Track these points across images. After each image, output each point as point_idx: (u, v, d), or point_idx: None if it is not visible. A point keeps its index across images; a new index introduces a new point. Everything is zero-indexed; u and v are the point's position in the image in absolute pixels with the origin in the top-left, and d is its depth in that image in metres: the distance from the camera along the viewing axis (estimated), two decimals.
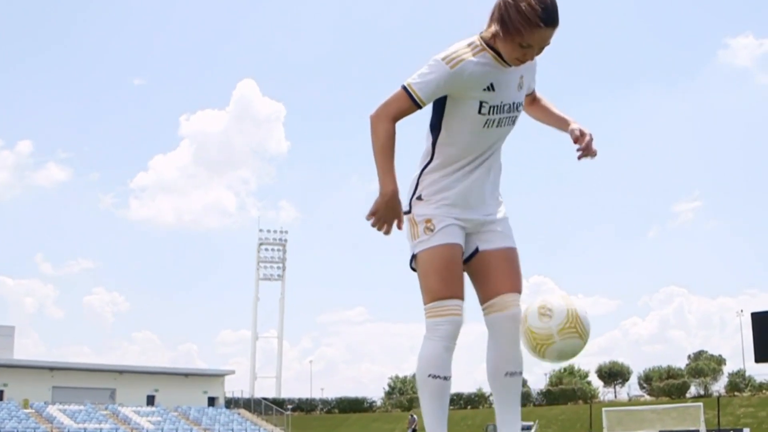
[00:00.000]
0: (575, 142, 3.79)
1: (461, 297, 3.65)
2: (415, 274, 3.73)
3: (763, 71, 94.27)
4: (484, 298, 3.75)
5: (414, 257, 3.72)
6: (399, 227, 3.62)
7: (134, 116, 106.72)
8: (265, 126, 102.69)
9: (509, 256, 3.78)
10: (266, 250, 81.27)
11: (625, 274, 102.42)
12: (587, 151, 3.79)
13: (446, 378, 3.62)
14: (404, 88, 3.53)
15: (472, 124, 3.62)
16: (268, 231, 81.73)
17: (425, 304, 3.65)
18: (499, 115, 3.62)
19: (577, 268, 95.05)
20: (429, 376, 3.60)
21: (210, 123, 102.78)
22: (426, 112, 3.70)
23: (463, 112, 3.61)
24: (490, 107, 3.59)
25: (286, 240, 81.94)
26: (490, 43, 3.56)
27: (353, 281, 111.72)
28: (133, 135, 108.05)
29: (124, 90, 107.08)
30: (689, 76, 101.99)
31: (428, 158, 3.74)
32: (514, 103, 3.67)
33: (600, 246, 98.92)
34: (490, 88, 3.57)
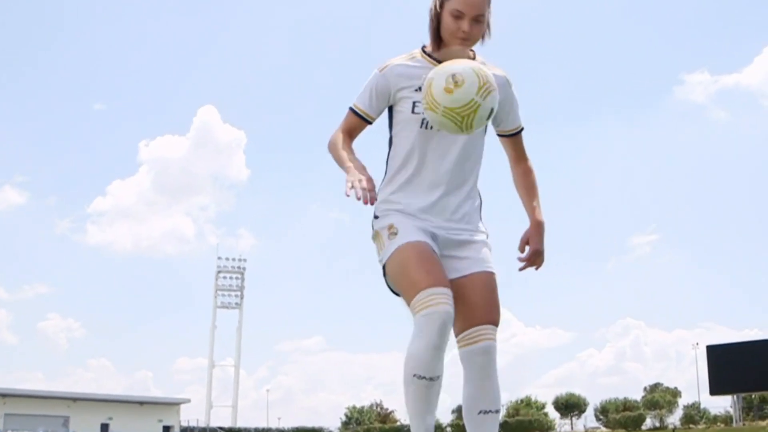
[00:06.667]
0: (521, 251, 3.75)
1: (447, 285, 3.36)
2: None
3: (717, 107, 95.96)
4: (456, 331, 3.48)
5: (386, 270, 3.54)
6: (369, 186, 3.35)
7: (93, 141, 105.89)
8: (226, 153, 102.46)
9: (481, 284, 3.53)
10: (224, 277, 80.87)
11: (583, 306, 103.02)
12: (529, 266, 3.76)
13: (432, 379, 3.34)
14: (350, 108, 3.67)
15: (409, 125, 3.57)
16: (227, 259, 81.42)
17: (409, 303, 3.36)
18: None
19: (535, 299, 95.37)
20: (414, 376, 3.34)
21: (170, 149, 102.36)
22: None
23: (401, 117, 3.60)
24: None
25: (244, 268, 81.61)
26: (427, 51, 3.64)
27: (311, 310, 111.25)
28: (92, 160, 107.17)
29: (84, 115, 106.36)
30: (645, 112, 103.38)
31: (383, 177, 3.67)
32: None
33: (557, 278, 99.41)
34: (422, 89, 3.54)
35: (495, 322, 3.49)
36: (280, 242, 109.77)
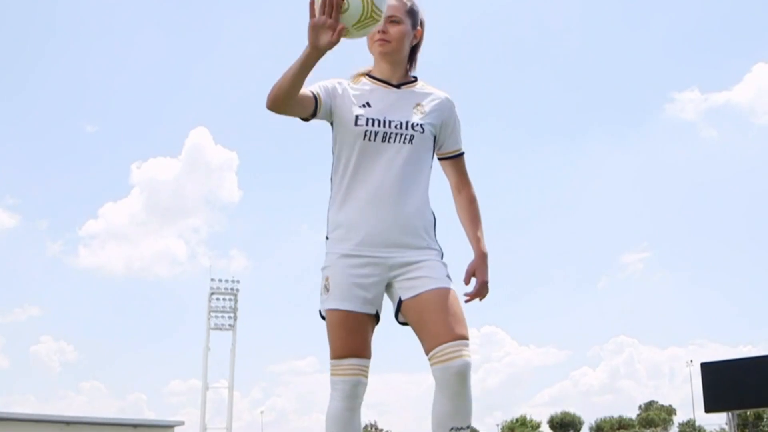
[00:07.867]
0: (467, 283, 3.75)
1: (362, 356, 3.56)
2: None
3: (708, 125, 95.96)
4: (425, 350, 3.49)
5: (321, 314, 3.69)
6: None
7: (85, 163, 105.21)
8: (218, 174, 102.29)
9: (438, 300, 3.49)
10: (217, 299, 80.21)
11: (576, 324, 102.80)
12: (475, 297, 3.76)
13: None
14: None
15: (352, 138, 3.59)
16: (220, 280, 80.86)
17: (330, 358, 3.59)
18: (383, 129, 3.59)
19: (529, 318, 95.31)
20: None
21: (162, 171, 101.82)
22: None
23: (344, 131, 3.62)
24: (367, 119, 3.59)
25: (237, 289, 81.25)
26: (369, 72, 3.77)
27: (304, 331, 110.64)
28: (84, 182, 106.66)
29: (75, 137, 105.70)
30: (636, 129, 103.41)
31: (329, 196, 3.71)
32: (407, 122, 3.61)
33: (551, 296, 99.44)
34: (367, 105, 3.64)
35: (463, 337, 3.45)
36: (272, 263, 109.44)
